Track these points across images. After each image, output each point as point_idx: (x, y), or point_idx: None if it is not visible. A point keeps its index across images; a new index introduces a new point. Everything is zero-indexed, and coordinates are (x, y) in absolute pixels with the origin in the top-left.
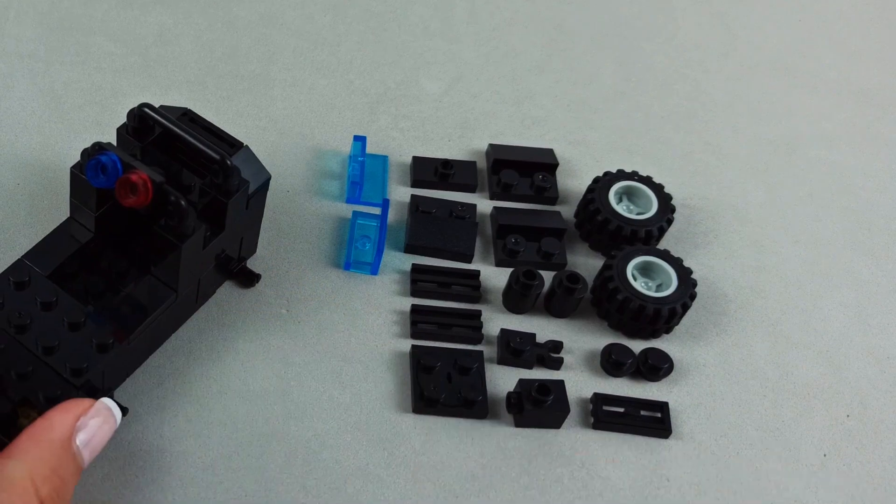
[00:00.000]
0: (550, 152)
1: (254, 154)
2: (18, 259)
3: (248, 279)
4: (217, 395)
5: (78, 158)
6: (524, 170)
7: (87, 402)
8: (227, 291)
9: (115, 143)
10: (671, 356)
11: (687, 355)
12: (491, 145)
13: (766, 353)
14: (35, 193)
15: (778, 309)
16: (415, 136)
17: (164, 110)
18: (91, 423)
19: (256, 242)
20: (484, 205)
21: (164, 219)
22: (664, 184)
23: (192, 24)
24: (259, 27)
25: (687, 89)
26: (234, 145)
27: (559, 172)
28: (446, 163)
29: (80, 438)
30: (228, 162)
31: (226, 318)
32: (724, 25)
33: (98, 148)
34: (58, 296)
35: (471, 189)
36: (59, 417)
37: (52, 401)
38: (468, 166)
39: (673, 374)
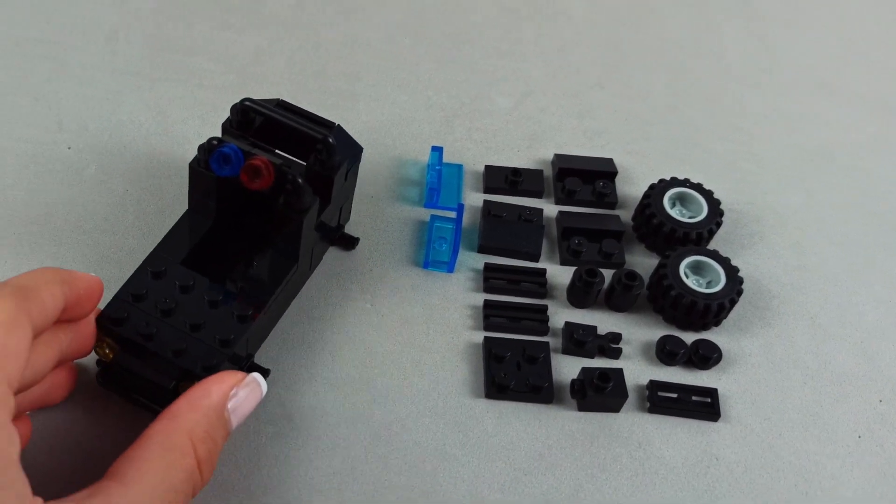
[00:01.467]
0: (610, 161)
1: (346, 131)
2: (152, 251)
3: (350, 243)
4: (307, 382)
5: (180, 167)
6: (586, 177)
7: (239, 374)
8: (316, 286)
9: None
10: (720, 347)
11: (734, 346)
12: (556, 155)
13: (805, 344)
14: (142, 198)
15: (816, 304)
16: (487, 146)
17: (258, 103)
18: (241, 392)
19: (351, 210)
20: (550, 209)
21: (283, 196)
22: (713, 190)
23: (284, 46)
24: (345, 48)
25: (732, 104)
26: (328, 125)
27: (618, 180)
28: (516, 171)
29: (231, 405)
30: (330, 140)
31: (315, 312)
32: (764, 46)
33: (218, 141)
34: (194, 279)
35: (538, 195)
36: (216, 386)
37: (209, 369)
38: (535, 174)
39: (721, 363)
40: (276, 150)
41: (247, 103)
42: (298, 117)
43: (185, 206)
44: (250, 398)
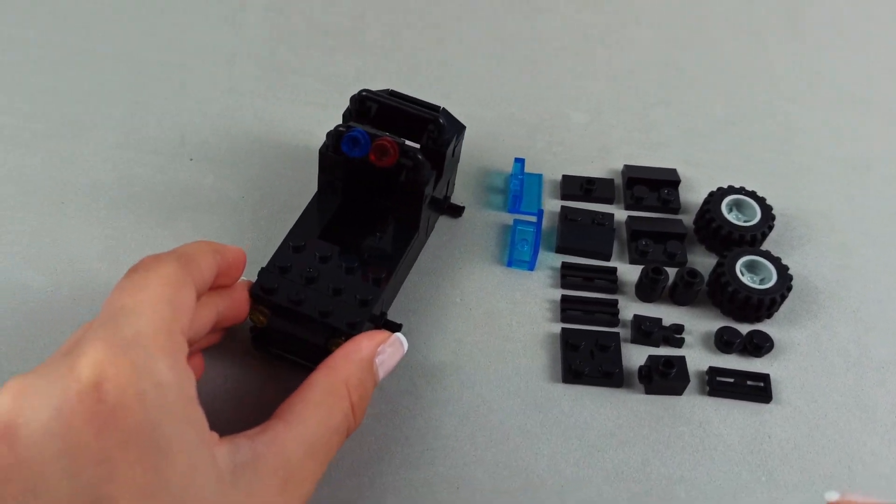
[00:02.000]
0: (673, 171)
1: (450, 112)
2: (290, 230)
3: (457, 211)
4: (404, 369)
5: (289, 175)
6: (652, 186)
7: (385, 333)
8: (412, 284)
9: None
10: (771, 337)
11: (784, 336)
12: (625, 166)
13: (848, 334)
14: (255, 203)
15: (858, 299)
16: (564, 158)
17: (373, 93)
18: (387, 349)
19: (455, 183)
20: (620, 214)
21: (405, 171)
22: (766, 197)
23: (382, 68)
24: (436, 69)
25: (782, 119)
26: (435, 108)
27: (681, 188)
28: (589, 180)
29: (379, 360)
30: (441, 120)
31: (411, 306)
32: (810, 67)
33: (346, 127)
34: (331, 250)
35: (609, 201)
36: (366, 342)
37: (352, 325)
38: (607, 183)
39: (773, 351)
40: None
41: (364, 93)
42: (409, 103)
43: (293, 210)
44: (394, 354)
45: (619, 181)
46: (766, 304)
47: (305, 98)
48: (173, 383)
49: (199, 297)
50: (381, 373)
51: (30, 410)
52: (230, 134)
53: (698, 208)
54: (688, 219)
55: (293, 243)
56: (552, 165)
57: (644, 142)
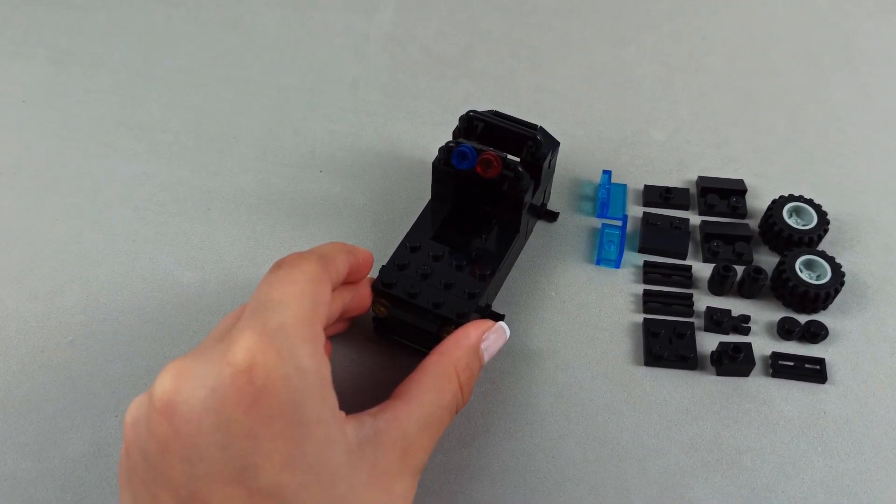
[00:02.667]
0: (741, 182)
1: (546, 131)
2: (407, 232)
3: (552, 216)
4: (506, 353)
5: (407, 185)
6: (723, 194)
7: (490, 322)
8: (514, 281)
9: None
10: (826, 326)
11: (838, 325)
12: (699, 177)
13: (894, 323)
14: (377, 210)
15: None
16: (646, 170)
17: (479, 113)
18: (492, 336)
19: (550, 191)
20: (694, 219)
21: (507, 182)
22: (821, 204)
23: (487, 92)
24: (534, 93)
25: (836, 136)
26: (533, 127)
27: (748, 196)
28: (668, 189)
29: (484, 345)
30: (538, 137)
31: (512, 298)
32: (862, 90)
33: (456, 143)
34: (443, 250)
35: (685, 208)
36: (473, 330)
37: (461, 315)
38: (683, 192)
39: (828, 338)
40: (493, 149)
41: (471, 113)
42: (511, 122)
43: (410, 216)
44: (498, 340)
45: (693, 190)
46: (822, 297)
47: (420, 118)
48: (312, 368)
49: (333, 291)
50: (486, 356)
51: (188, 389)
52: (355, 149)
53: (763, 214)
54: (753, 223)
55: (410, 244)
56: (635, 177)
57: (716, 156)
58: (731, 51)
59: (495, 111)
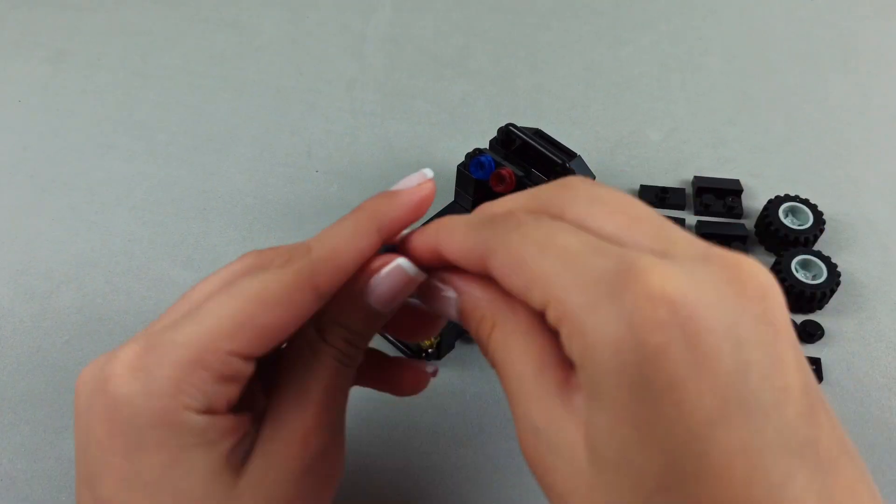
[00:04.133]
0: (737, 182)
1: (584, 162)
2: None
3: None
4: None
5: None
6: (719, 194)
7: (381, 258)
8: None
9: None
10: (822, 326)
11: (833, 325)
12: (695, 177)
13: (889, 323)
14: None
15: None
16: (642, 170)
17: (523, 130)
18: (382, 273)
19: None
20: (690, 219)
21: None
22: (817, 204)
23: (485, 92)
24: (532, 94)
25: (832, 136)
26: (571, 155)
27: (743, 196)
28: (664, 189)
29: (372, 285)
30: (568, 165)
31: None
32: (859, 92)
33: (478, 151)
34: None
35: (681, 208)
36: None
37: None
38: (679, 192)
39: (824, 338)
40: (532, 168)
41: (509, 127)
42: (549, 145)
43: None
44: (391, 280)
45: (689, 190)
46: (818, 297)
47: (417, 118)
48: (164, 394)
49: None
50: (374, 300)
51: (86, 377)
52: (351, 149)
53: (759, 214)
54: (749, 223)
55: None
56: (631, 176)
57: (712, 156)
58: (727, 51)
59: (539, 130)
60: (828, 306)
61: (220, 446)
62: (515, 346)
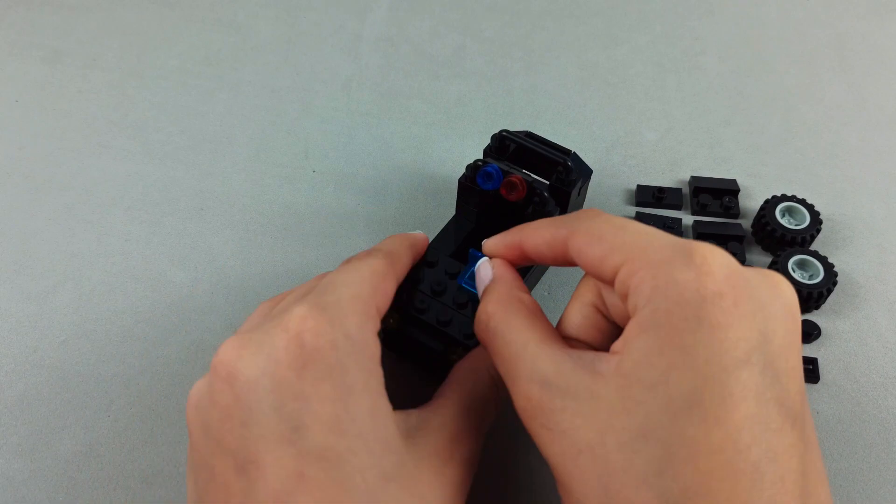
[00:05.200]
0: (734, 182)
1: (580, 157)
2: (429, 245)
3: None
4: None
5: (400, 186)
6: (715, 194)
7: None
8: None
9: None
10: (819, 325)
11: (830, 325)
12: (692, 177)
13: (886, 323)
14: (369, 211)
15: (895, 292)
16: (638, 170)
17: (516, 134)
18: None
19: None
20: (687, 219)
21: (531, 206)
22: (814, 204)
23: (480, 92)
24: (528, 94)
25: (829, 136)
26: (566, 152)
27: (740, 196)
28: (661, 189)
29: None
30: (569, 163)
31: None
32: (855, 92)
33: (483, 162)
34: (459, 268)
35: (678, 208)
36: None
37: (469, 336)
38: (676, 192)
39: (821, 338)
40: (524, 170)
41: (503, 133)
42: (543, 145)
43: (402, 216)
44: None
45: (686, 190)
46: (815, 296)
47: (412, 118)
48: (360, 340)
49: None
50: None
51: (247, 356)
52: (347, 149)
53: (755, 214)
54: (746, 223)
55: (428, 258)
56: (627, 176)
57: (708, 156)
58: (723, 51)
59: (529, 132)
60: (825, 306)
61: (398, 413)
62: (516, 321)
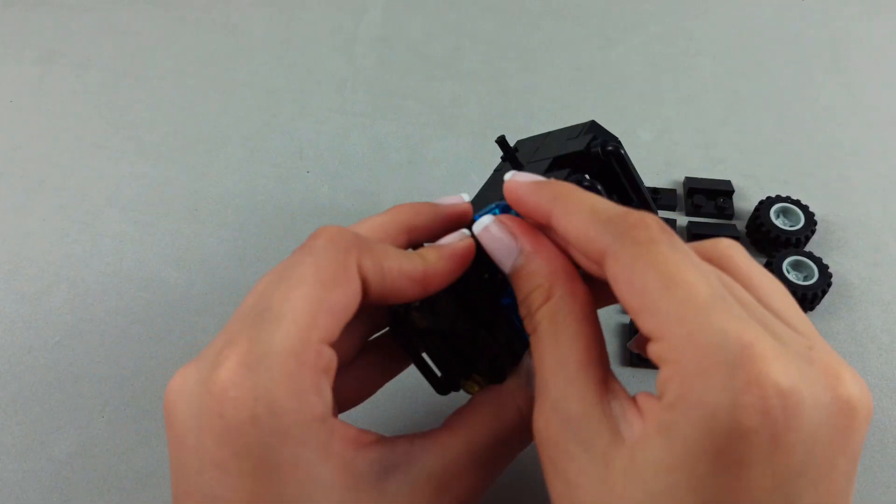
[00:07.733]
0: (728, 182)
1: (599, 124)
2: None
3: None
4: None
5: (394, 187)
6: (710, 195)
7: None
8: None
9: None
10: (814, 327)
11: (825, 326)
12: (686, 177)
13: (881, 324)
14: (362, 211)
15: (889, 293)
16: None
17: (522, 142)
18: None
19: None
20: (681, 220)
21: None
22: (809, 205)
23: (475, 92)
24: (523, 94)
25: (823, 137)
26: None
27: (735, 197)
28: (655, 190)
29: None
30: (594, 145)
31: None
32: (850, 93)
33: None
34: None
35: (672, 208)
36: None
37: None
38: (670, 192)
39: None
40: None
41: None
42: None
43: None
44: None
45: (680, 191)
46: (809, 297)
47: (407, 118)
48: (290, 409)
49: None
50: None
51: (183, 398)
52: (342, 149)
53: (750, 215)
54: (741, 224)
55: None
56: None
57: (703, 157)
58: (718, 52)
59: (522, 140)
60: (819, 307)
61: (376, 447)
62: (566, 329)
